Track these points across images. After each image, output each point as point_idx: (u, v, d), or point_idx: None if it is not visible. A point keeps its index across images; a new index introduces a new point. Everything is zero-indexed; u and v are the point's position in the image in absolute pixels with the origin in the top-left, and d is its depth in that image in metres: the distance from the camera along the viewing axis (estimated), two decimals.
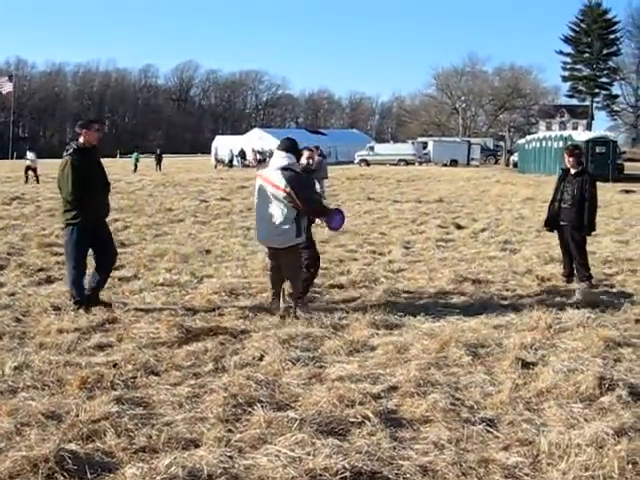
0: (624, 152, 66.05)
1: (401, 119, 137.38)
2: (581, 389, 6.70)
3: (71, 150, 9.82)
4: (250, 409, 6.18)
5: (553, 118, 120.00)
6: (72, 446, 5.32)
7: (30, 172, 40.55)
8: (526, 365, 7.53)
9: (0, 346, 8.14)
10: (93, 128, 10.07)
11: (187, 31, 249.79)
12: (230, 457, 5.24)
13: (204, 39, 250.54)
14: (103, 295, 10.35)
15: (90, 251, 10.05)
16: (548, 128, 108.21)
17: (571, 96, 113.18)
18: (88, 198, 9.69)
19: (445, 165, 73.62)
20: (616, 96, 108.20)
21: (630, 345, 8.27)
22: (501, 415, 6.23)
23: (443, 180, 45.51)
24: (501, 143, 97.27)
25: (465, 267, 13.35)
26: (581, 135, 53.01)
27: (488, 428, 5.88)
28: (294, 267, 9.88)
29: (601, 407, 6.34)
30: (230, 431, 5.78)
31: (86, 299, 9.86)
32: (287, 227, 9.57)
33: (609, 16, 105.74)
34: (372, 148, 80.00)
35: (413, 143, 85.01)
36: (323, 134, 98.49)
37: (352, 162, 77.38)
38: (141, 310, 9.82)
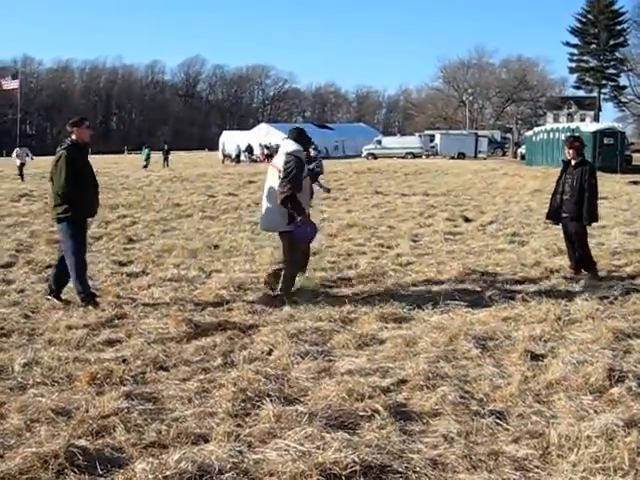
0: (632, 143, 65.93)
1: (408, 112, 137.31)
2: (591, 381, 6.68)
3: (65, 145, 9.84)
4: (259, 403, 6.18)
5: (560, 110, 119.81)
6: (82, 442, 5.34)
7: (22, 168, 40.66)
8: (535, 357, 7.52)
9: (9, 343, 8.17)
10: (84, 125, 10.10)
11: (193, 26, 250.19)
12: (240, 452, 5.24)
13: (210, 34, 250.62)
14: (110, 289, 10.43)
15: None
16: (555, 120, 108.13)
17: (578, 87, 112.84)
18: (79, 193, 9.70)
19: (452, 158, 73.48)
20: (623, 87, 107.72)
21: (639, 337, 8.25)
22: (510, 407, 6.22)
23: (451, 173, 45.43)
24: (508, 135, 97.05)
25: (473, 260, 13.32)
26: (589, 126, 52.85)
27: (498, 421, 5.87)
28: (288, 252, 10.31)
29: (611, 399, 6.32)
30: (239, 426, 5.79)
31: (92, 293, 9.91)
32: (279, 212, 10.09)
33: (616, 7, 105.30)
34: (379, 142, 79.88)
35: (420, 136, 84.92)
36: (330, 128, 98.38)
37: (359, 156, 77.36)
38: (150, 305, 9.83)
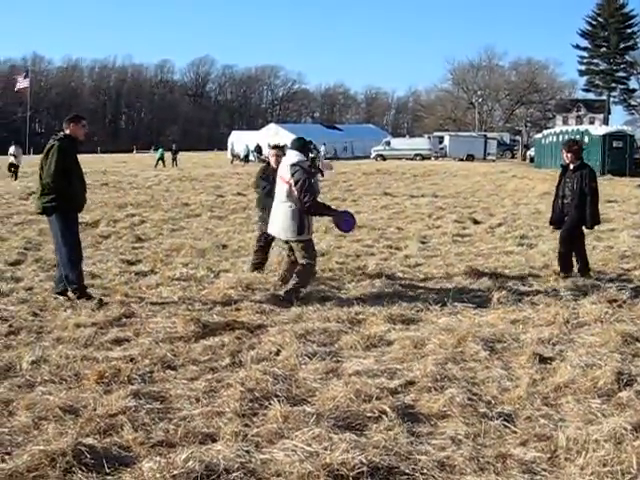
0: None
1: (417, 114, 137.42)
2: (599, 384, 6.67)
3: (59, 137, 9.86)
4: (267, 404, 6.18)
5: (570, 112, 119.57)
6: (89, 440, 5.34)
7: (13, 169, 39.56)
8: (543, 360, 7.50)
9: (18, 340, 8.18)
10: (80, 123, 10.13)
11: (203, 26, 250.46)
12: (247, 452, 5.24)
13: (220, 34, 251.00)
14: (118, 288, 10.46)
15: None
16: (565, 123, 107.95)
17: (588, 90, 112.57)
18: (68, 185, 9.70)
19: (461, 160, 73.38)
20: (633, 90, 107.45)
21: None
22: (518, 410, 6.21)
23: (459, 175, 45.37)
24: (518, 138, 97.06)
25: (482, 262, 13.30)
26: (598, 130, 52.75)
27: (505, 423, 5.86)
28: (306, 255, 10.27)
29: (619, 402, 6.31)
30: (247, 426, 5.79)
31: (84, 286, 9.93)
32: (293, 221, 10.14)
33: (626, 10, 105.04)
34: (388, 143, 79.88)
35: (429, 138, 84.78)
36: (339, 129, 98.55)
37: (368, 157, 77.39)
38: (158, 305, 9.84)
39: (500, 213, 22.28)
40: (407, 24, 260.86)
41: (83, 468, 4.95)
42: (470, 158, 74.29)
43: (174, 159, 62.21)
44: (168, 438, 5.55)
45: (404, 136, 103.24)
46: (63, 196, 9.68)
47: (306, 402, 6.34)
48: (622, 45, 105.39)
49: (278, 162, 11.80)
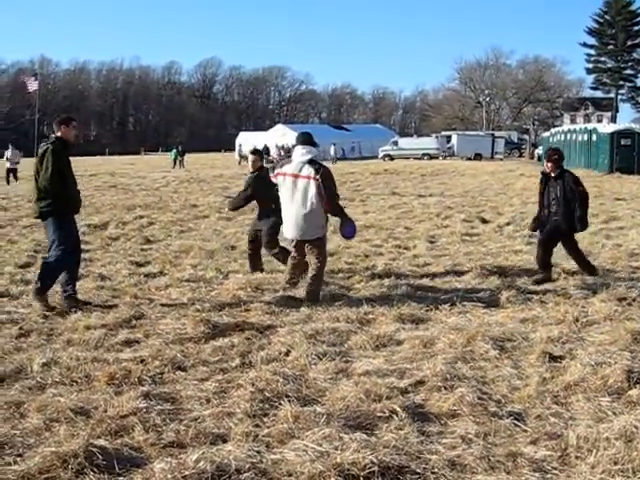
0: None
1: (424, 113, 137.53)
2: (609, 382, 6.65)
3: (51, 140, 9.86)
4: (277, 404, 6.18)
5: (577, 111, 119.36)
6: (101, 441, 5.35)
7: (11, 173, 38.72)
8: (553, 359, 7.49)
9: (28, 343, 8.20)
10: (71, 125, 10.09)
11: (210, 28, 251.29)
12: (258, 452, 5.25)
13: (227, 35, 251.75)
14: (128, 290, 10.47)
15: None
16: (572, 121, 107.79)
17: (595, 88, 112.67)
18: (63, 189, 9.68)
19: (469, 159, 73.38)
20: None
21: None
22: (529, 409, 6.21)
23: (467, 174, 45.36)
24: (525, 136, 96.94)
25: (490, 261, 13.27)
26: (606, 127, 52.52)
27: (516, 422, 5.86)
28: (321, 253, 10.36)
29: (629, 400, 6.30)
30: (257, 426, 5.79)
31: (43, 292, 9.90)
32: (316, 219, 10.14)
33: (633, 7, 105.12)
34: (396, 143, 79.89)
35: (437, 137, 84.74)
36: (347, 129, 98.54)
37: (376, 157, 77.42)
38: (167, 306, 9.86)
39: (508, 212, 22.26)
40: (414, 24, 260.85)
41: (95, 469, 4.96)
42: (478, 157, 74.26)
43: (180, 161, 62.35)
44: (179, 439, 5.56)
45: (412, 136, 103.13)
46: (60, 199, 9.67)
47: (316, 402, 6.35)
48: (629, 43, 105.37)
49: (255, 167, 11.93)
